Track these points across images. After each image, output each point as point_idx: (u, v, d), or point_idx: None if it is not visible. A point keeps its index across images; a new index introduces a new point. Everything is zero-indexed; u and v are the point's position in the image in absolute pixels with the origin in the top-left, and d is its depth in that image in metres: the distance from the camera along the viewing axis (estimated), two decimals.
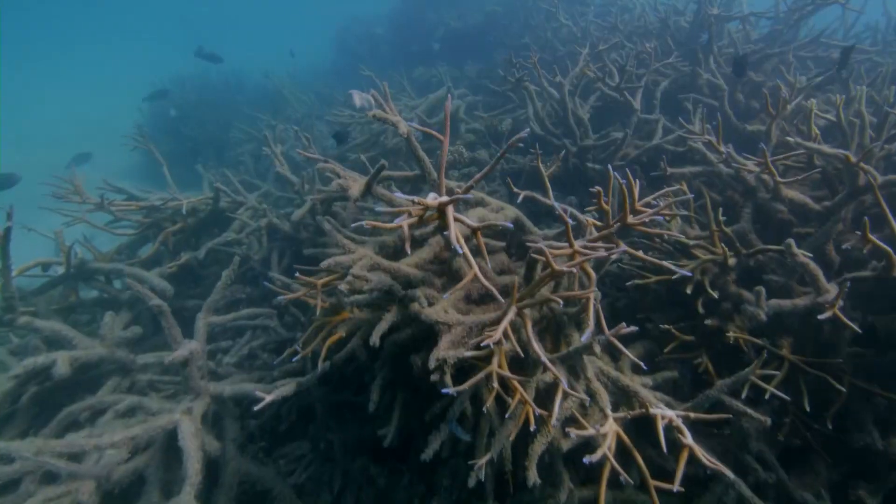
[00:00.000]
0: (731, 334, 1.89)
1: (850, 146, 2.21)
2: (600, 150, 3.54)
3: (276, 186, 5.08)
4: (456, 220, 1.36)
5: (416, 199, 1.20)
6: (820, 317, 1.52)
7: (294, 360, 1.71)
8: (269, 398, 1.61)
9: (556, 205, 1.49)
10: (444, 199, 1.28)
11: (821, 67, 3.65)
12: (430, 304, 1.96)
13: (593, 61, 3.92)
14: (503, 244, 2.65)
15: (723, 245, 2.00)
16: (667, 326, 2.03)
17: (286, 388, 1.75)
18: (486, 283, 1.26)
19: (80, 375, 2.39)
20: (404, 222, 1.16)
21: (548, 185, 2.37)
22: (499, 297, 1.31)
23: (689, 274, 1.41)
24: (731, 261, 2.02)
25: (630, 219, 1.54)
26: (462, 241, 1.22)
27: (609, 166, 1.64)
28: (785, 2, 4.40)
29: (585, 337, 1.29)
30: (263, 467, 2.57)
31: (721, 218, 2.05)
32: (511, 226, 1.25)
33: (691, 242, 2.07)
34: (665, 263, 1.44)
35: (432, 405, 2.17)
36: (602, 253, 1.38)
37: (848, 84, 2.74)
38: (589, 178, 3.67)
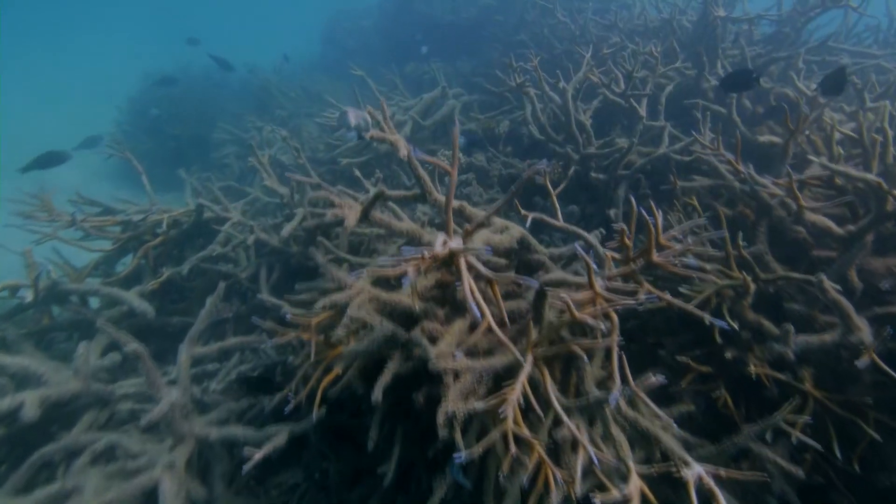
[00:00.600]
0: (753, 370, 1.78)
1: (872, 164, 2.10)
2: (604, 157, 3.40)
3: (263, 192, 4.86)
4: (468, 263, 1.22)
5: (425, 250, 1.05)
6: (858, 364, 1.42)
7: (287, 409, 1.56)
8: (258, 455, 1.46)
9: (579, 248, 1.35)
10: (457, 246, 1.13)
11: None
12: (433, 339, 1.82)
13: (596, 64, 3.77)
14: (506, 262, 2.52)
15: (744, 273, 1.88)
16: (684, 359, 1.92)
17: (278, 438, 1.60)
18: (506, 340, 1.12)
19: (52, 413, 2.21)
20: (412, 283, 1.01)
21: (556, 205, 2.24)
22: (516, 352, 1.17)
23: (727, 326, 1.29)
24: (752, 287, 1.91)
25: (655, 257, 1.41)
26: (479, 296, 1.08)
27: (632, 197, 1.50)
28: (786, 2, 4.28)
29: (613, 399, 1.16)
30: (254, 500, 2.43)
31: (741, 243, 1.93)
32: (535, 283, 1.11)
33: (708, 267, 1.95)
34: (697, 311, 1.31)
35: (435, 438, 2.04)
36: (629, 301, 1.25)
37: (863, 95, 2.63)
38: (592, 187, 3.54)
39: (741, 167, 2.02)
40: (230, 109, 7.17)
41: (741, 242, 1.93)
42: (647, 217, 1.38)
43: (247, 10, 26.10)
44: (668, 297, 1.34)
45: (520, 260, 2.53)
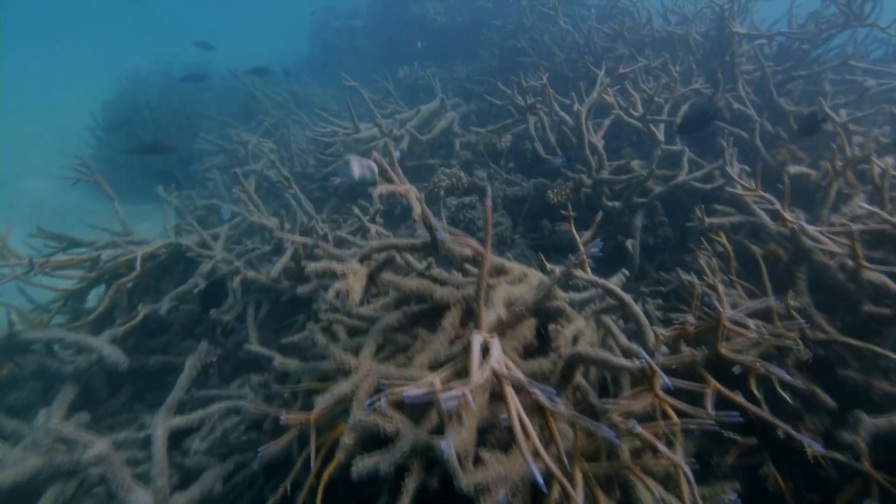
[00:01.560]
0: (809, 452, 1.58)
1: None
2: (617, 182, 3.19)
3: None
4: (514, 384, 0.98)
5: (466, 390, 0.81)
6: None
7: None
8: None
9: (644, 355, 1.12)
10: (503, 371, 0.89)
11: (849, 94, 3.38)
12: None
13: (606, 78, 3.54)
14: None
15: (797, 337, 1.68)
16: (731, 435, 1.72)
17: None
18: (572, 492, 0.88)
19: (10, 498, 1.92)
20: (452, 442, 0.78)
21: (584, 258, 2.01)
22: (562, 477, 0.93)
23: (820, 448, 1.08)
24: (806, 354, 1.71)
25: (724, 349, 1.19)
26: (537, 442, 0.84)
27: (692, 274, 1.27)
28: (799, 14, 4.12)
29: None
30: None
31: (793, 303, 1.73)
32: (612, 436, 0.88)
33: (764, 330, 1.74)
34: (792, 430, 1.10)
35: None
36: (703, 418, 1.03)
37: None
38: (604, 214, 3.32)
39: (790, 217, 1.82)
40: (213, 115, 6.77)
41: (792, 303, 1.73)
42: (716, 305, 1.16)
43: (230, 7, 25.23)
44: (742, 401, 1.12)
45: (537, 307, 2.31)
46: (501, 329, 1.31)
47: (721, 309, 1.15)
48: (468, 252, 2.05)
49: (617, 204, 3.06)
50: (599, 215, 1.87)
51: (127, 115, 6.58)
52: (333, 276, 1.38)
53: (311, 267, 1.31)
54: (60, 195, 6.53)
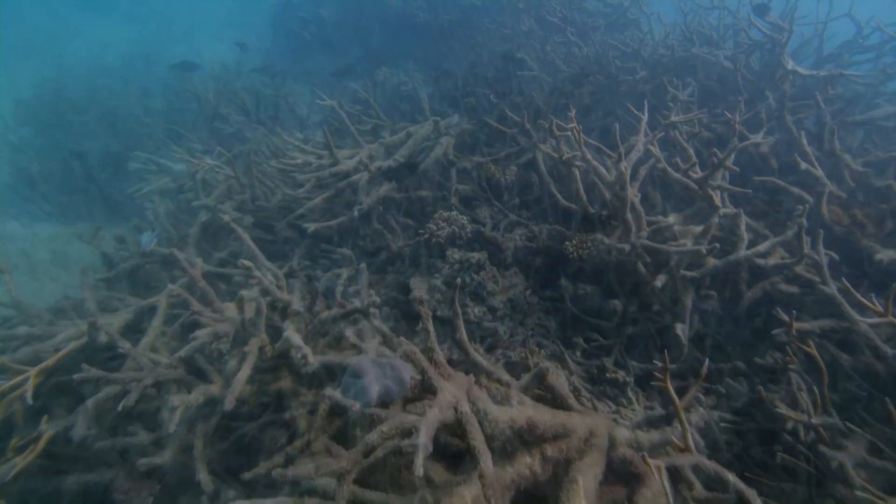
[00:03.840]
0: None
1: None
2: (659, 250, 2.66)
3: (198, 251, 3.67)
4: None
5: None
6: None
7: None
8: None
9: None
10: None
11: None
12: None
13: (622, 94, 2.98)
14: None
15: None
16: None
17: None
18: None
19: None
20: None
21: (688, 434, 1.44)
22: None
23: None
24: None
25: None
26: None
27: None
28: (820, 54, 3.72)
29: None
30: None
31: None
32: None
33: None
34: None
35: None
36: None
37: None
38: (635, 278, 2.81)
39: None
40: (157, 119, 5.73)
41: None
42: None
43: None
44: None
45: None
46: None
47: None
48: (522, 422, 1.44)
49: (665, 280, 2.53)
50: (705, 368, 1.33)
51: (46, 118, 5.42)
52: None
53: None
54: None
